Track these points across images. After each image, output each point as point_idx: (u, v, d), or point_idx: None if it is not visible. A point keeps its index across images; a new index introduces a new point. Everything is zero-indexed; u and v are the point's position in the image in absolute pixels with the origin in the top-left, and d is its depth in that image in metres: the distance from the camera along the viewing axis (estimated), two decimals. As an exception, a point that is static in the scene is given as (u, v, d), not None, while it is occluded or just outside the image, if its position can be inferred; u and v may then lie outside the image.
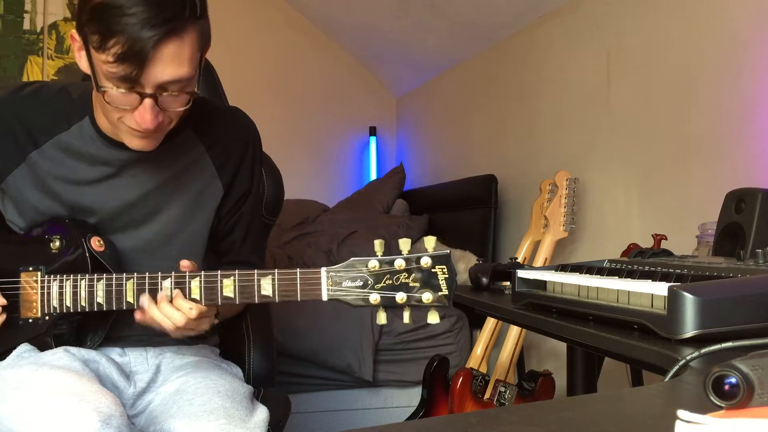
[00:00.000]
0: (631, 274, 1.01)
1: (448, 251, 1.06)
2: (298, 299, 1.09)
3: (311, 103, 4.06)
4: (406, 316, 1.07)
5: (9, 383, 1.14)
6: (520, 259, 2.38)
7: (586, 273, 1.09)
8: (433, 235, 1.23)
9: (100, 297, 1.20)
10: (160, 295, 1.15)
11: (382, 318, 1.07)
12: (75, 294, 1.22)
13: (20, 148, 1.29)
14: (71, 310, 1.22)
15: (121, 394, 1.28)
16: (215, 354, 1.49)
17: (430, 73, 3.71)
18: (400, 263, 1.06)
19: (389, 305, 1.06)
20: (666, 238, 1.77)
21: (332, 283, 1.07)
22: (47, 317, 1.24)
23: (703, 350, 0.72)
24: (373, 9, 3.50)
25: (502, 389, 2.28)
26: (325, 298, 1.08)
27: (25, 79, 3.62)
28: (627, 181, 2.25)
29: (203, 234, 1.37)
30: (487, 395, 2.28)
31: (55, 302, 1.23)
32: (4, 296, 1.23)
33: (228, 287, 1.12)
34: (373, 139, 4.15)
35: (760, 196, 1.18)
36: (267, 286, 1.11)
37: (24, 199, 1.30)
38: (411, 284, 1.05)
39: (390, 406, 2.75)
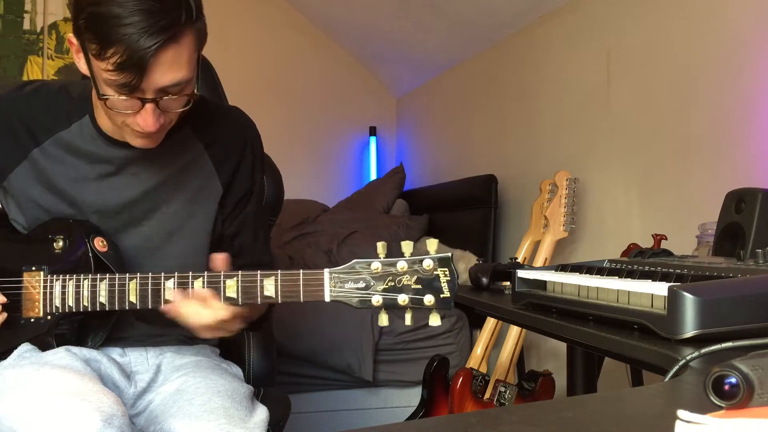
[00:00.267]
0: (631, 274, 1.01)
1: (450, 254, 1.07)
2: (301, 300, 1.09)
3: (311, 103, 4.06)
4: (408, 318, 1.08)
5: (10, 383, 1.14)
6: (520, 259, 2.38)
7: (586, 273, 1.09)
8: (432, 234, 1.24)
9: (102, 297, 1.20)
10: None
11: (384, 320, 1.08)
12: (77, 294, 1.22)
13: (22, 146, 1.29)
14: (73, 310, 1.22)
15: (122, 394, 1.28)
16: (215, 354, 1.49)
17: (430, 73, 3.71)
18: (402, 265, 1.06)
19: (391, 307, 1.07)
20: (666, 238, 1.77)
21: (335, 284, 1.07)
22: (49, 317, 1.24)
23: (703, 350, 0.72)
24: (373, 9, 3.50)
25: (502, 389, 2.28)
26: (327, 299, 1.08)
27: (25, 79, 3.61)
28: (627, 181, 2.25)
29: (205, 232, 1.37)
30: (487, 395, 2.28)
31: (57, 302, 1.23)
32: (7, 295, 1.23)
33: (231, 288, 1.13)
34: (373, 139, 4.15)
35: (760, 196, 1.18)
36: (270, 286, 1.11)
37: (26, 196, 1.30)
38: (413, 286, 1.06)
39: (390, 406, 2.75)
